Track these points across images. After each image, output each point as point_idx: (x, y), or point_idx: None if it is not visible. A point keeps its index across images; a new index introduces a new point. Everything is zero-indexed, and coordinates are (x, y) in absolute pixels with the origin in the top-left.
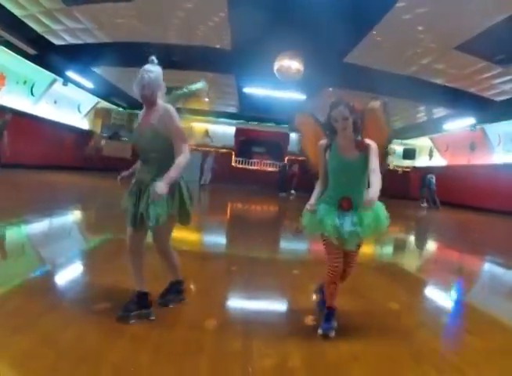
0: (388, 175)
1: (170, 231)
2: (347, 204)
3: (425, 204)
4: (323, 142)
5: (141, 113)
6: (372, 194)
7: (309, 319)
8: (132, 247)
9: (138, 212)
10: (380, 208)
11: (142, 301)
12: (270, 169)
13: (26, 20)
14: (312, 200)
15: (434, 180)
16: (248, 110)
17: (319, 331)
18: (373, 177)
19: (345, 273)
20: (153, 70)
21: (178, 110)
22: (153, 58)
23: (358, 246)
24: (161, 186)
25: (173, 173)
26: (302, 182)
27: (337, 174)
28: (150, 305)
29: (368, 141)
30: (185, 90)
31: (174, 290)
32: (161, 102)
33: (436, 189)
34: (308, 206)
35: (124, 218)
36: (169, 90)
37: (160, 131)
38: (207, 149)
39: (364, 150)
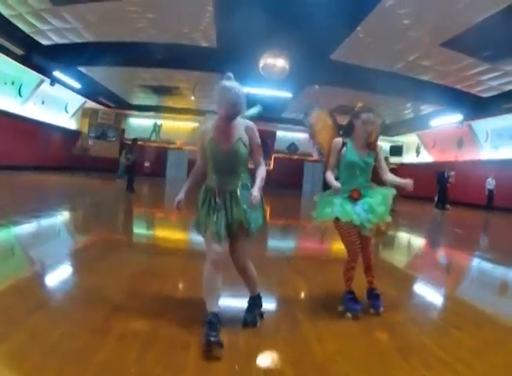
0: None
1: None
2: (357, 194)
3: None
4: (340, 139)
5: None
6: (410, 185)
7: (295, 316)
8: (220, 261)
9: (235, 222)
10: (388, 197)
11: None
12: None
13: (13, 20)
14: (337, 183)
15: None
16: None
17: (349, 315)
18: (391, 175)
19: (367, 258)
20: None
21: None
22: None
23: (375, 232)
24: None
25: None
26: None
27: (352, 168)
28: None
29: (378, 142)
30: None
31: (257, 305)
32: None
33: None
34: (334, 190)
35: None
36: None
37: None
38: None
39: (373, 149)
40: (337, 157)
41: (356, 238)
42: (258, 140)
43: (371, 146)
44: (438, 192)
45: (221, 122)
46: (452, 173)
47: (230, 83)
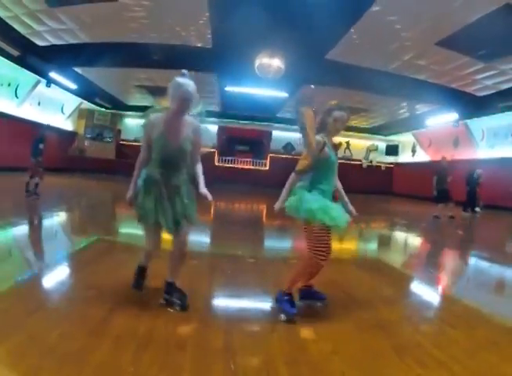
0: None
1: None
2: (337, 196)
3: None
4: (320, 138)
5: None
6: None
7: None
8: (158, 250)
9: (180, 215)
10: None
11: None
12: (254, 167)
13: (9, 21)
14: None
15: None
16: (230, 108)
17: (283, 317)
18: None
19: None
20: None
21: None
22: None
23: None
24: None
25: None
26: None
27: (332, 169)
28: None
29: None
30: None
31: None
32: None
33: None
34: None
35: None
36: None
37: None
38: None
39: (337, 149)
40: (318, 157)
41: (329, 240)
42: (201, 141)
43: (335, 146)
44: (467, 194)
45: (172, 117)
46: (481, 171)
47: (183, 79)
